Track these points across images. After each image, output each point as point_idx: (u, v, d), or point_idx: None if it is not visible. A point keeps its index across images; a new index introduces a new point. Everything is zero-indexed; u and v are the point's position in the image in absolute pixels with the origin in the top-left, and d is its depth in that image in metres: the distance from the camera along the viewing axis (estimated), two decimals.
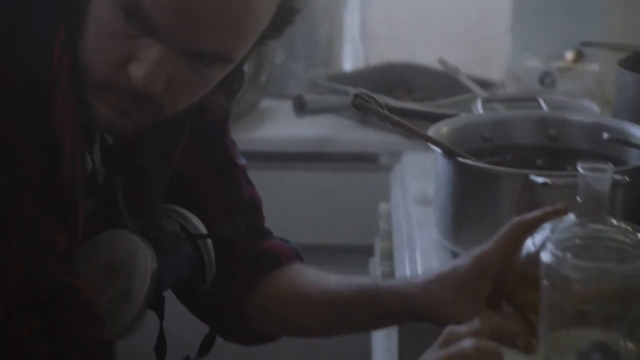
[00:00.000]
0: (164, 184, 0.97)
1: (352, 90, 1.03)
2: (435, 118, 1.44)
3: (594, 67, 1.95)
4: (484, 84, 1.71)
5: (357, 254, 1.67)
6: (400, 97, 1.81)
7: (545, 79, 1.85)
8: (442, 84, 1.79)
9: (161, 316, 0.93)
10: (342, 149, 1.73)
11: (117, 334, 0.91)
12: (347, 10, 1.98)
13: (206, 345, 0.99)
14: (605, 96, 1.69)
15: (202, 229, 0.97)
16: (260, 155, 1.71)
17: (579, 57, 2.06)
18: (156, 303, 0.91)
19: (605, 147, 1.15)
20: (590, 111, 1.35)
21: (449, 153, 1.05)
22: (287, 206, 1.74)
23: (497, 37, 2.00)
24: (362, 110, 1.02)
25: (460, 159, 1.04)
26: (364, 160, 1.77)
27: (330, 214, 1.77)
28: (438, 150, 1.07)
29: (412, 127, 1.05)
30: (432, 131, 1.13)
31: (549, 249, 0.73)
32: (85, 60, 0.79)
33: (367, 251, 1.58)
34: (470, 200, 1.05)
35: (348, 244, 1.77)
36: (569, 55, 2.07)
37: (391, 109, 1.30)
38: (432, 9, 1.97)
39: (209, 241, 0.98)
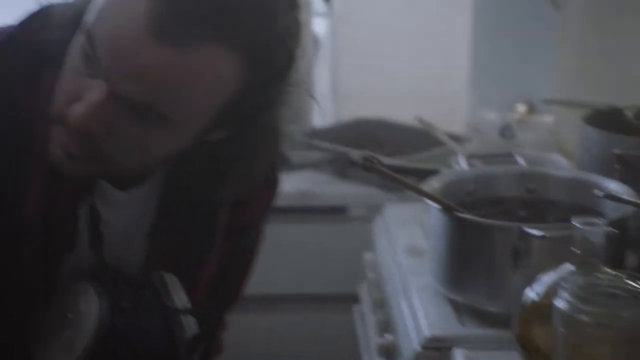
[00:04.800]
0: (164, 250, 1.00)
1: (361, 153, 1.11)
2: (416, 173, 1.55)
3: (547, 118, 2.09)
4: (453, 138, 1.83)
5: (339, 302, 1.75)
6: (372, 151, 1.91)
7: (506, 131, 1.97)
8: (411, 138, 1.90)
9: None
10: (321, 203, 1.81)
11: None
12: (318, 68, 2.08)
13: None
14: (563, 147, 1.82)
15: (182, 303, 0.97)
16: None
17: (531, 109, 2.20)
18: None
19: (579, 198, 1.27)
20: (560, 164, 1.46)
21: (447, 208, 1.15)
22: (269, 258, 1.80)
23: (457, 93, 2.13)
24: (371, 172, 1.11)
25: (458, 214, 1.14)
26: (340, 212, 1.86)
27: (311, 264, 1.85)
28: (436, 205, 1.17)
29: (415, 185, 1.15)
30: (425, 186, 1.23)
31: (563, 297, 0.83)
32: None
33: (350, 299, 1.66)
34: (467, 252, 1.14)
35: (330, 293, 1.85)
36: (521, 108, 2.20)
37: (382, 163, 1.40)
38: (396, 69, 2.10)
39: (191, 318, 0.97)
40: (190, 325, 0.97)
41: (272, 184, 1.11)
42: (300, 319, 1.89)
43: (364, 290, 1.55)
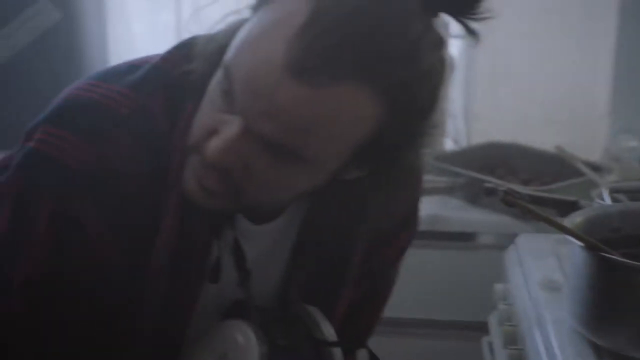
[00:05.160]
0: (300, 282, 1.01)
1: (496, 182, 1.08)
2: (554, 204, 1.50)
3: None
4: (592, 167, 1.76)
5: (466, 330, 1.72)
6: (505, 177, 1.87)
7: None
8: (546, 165, 1.84)
9: None
10: (451, 228, 1.78)
11: None
12: (451, 89, 2.05)
13: None
14: None
15: (331, 335, 0.98)
16: None
17: None
18: None
19: None
20: None
21: (592, 247, 1.10)
22: (398, 282, 1.79)
23: (596, 119, 2.05)
24: (512, 206, 1.07)
25: (604, 254, 1.09)
26: (470, 239, 1.82)
27: (438, 291, 1.82)
28: (579, 243, 1.12)
29: (557, 222, 1.10)
30: (567, 222, 1.18)
31: None
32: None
33: (477, 328, 1.62)
34: (612, 294, 1.09)
35: (456, 320, 1.82)
36: None
37: (521, 196, 1.36)
38: (532, 91, 2.04)
39: (339, 351, 0.98)
40: (338, 357, 0.97)
41: (412, 224, 1.09)
42: (426, 345, 1.86)
43: (494, 321, 1.51)
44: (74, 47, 2.04)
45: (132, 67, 0.93)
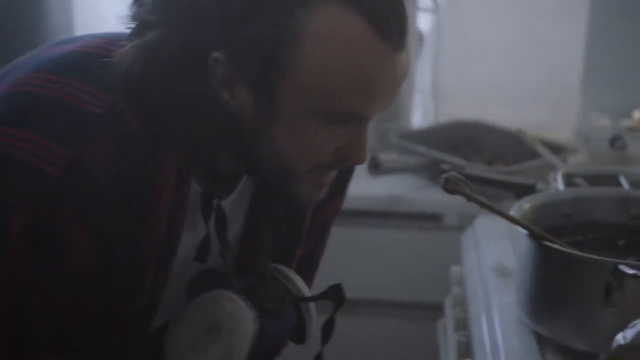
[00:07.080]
0: (270, 246, 1.02)
1: (444, 173, 1.05)
2: (511, 187, 1.47)
3: None
4: (557, 149, 1.72)
5: (424, 311, 1.70)
6: (470, 156, 1.84)
7: (616, 142, 1.85)
8: (513, 145, 1.80)
9: None
10: (412, 209, 1.75)
11: None
12: (419, 65, 2.01)
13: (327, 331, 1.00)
14: None
15: (305, 290, 1.00)
16: None
17: None
18: None
19: None
20: None
21: (535, 236, 1.07)
22: (357, 262, 1.77)
23: (568, 96, 2.02)
24: (453, 194, 1.04)
25: (547, 243, 1.06)
26: (432, 219, 1.79)
27: (398, 271, 1.80)
28: (524, 231, 1.09)
29: (499, 210, 1.07)
30: (515, 209, 1.15)
31: None
32: (279, 157, 0.88)
33: (434, 308, 1.60)
34: (555, 284, 1.07)
35: (415, 301, 1.80)
36: (638, 114, 2.06)
37: (473, 178, 1.33)
38: (502, 68, 2.00)
39: (313, 305, 1.00)
40: (314, 311, 1.00)
41: (346, 189, 1.12)
42: (385, 325, 1.84)
43: (449, 305, 1.49)
44: (38, 12, 2.00)
45: (83, 55, 0.87)
